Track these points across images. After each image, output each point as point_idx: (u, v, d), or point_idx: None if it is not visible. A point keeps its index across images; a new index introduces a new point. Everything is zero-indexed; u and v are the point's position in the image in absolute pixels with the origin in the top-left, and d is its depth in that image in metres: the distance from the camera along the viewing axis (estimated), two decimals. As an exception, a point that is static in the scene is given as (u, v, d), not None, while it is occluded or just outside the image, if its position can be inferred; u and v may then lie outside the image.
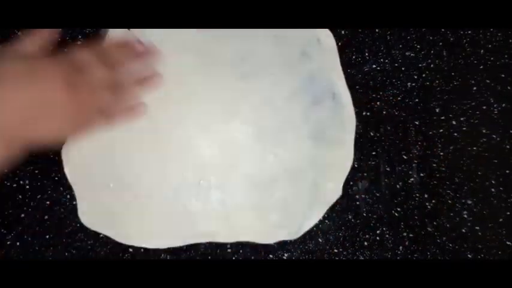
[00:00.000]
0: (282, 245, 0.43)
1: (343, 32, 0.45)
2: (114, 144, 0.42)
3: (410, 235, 0.44)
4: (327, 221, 0.43)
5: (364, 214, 0.44)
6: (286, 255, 0.43)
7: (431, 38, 0.45)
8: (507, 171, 0.44)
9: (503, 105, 0.45)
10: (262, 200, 0.42)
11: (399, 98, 0.45)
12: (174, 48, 0.43)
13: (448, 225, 0.44)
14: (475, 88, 0.45)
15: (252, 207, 0.42)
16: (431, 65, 0.45)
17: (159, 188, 0.42)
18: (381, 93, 0.45)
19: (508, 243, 0.43)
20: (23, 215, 0.43)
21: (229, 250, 0.43)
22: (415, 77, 0.45)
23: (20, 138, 0.33)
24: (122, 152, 0.43)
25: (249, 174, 0.43)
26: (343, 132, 0.43)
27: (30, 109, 0.33)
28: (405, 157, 0.44)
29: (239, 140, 0.43)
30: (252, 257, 0.43)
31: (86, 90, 0.36)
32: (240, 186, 0.43)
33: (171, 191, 0.42)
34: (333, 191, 0.43)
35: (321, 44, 0.43)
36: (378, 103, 0.45)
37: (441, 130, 0.44)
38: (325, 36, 0.44)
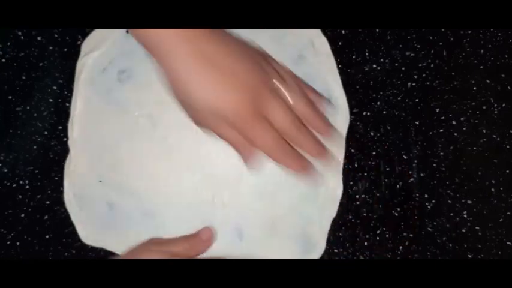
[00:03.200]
0: (282, 245, 0.43)
1: (343, 32, 0.45)
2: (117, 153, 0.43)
3: (410, 235, 0.44)
4: (327, 221, 0.43)
5: (364, 214, 0.44)
6: (286, 255, 0.43)
7: (431, 38, 0.45)
8: (507, 171, 0.44)
9: (503, 105, 0.45)
10: (275, 213, 0.42)
11: (399, 98, 0.45)
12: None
13: (448, 225, 0.44)
14: (475, 88, 0.45)
15: (266, 223, 0.42)
16: (431, 65, 0.45)
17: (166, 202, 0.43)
18: (381, 93, 0.45)
19: (508, 243, 0.43)
20: (23, 215, 0.43)
21: (229, 250, 0.43)
22: (415, 77, 0.45)
23: None
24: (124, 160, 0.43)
25: (253, 184, 0.42)
26: (336, 131, 0.43)
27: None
28: (405, 157, 0.44)
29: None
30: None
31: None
32: (249, 199, 0.43)
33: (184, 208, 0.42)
34: (335, 188, 0.43)
35: (315, 49, 0.43)
36: (378, 103, 0.45)
37: (441, 130, 0.44)
38: (319, 43, 0.44)
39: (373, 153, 0.44)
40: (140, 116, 0.43)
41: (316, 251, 0.42)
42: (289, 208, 0.42)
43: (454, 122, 0.45)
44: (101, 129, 0.43)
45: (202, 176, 0.42)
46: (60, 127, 0.44)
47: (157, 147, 0.43)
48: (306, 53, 0.43)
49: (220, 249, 0.42)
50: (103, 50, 0.44)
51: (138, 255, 0.38)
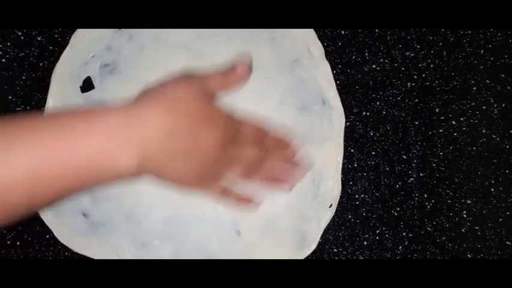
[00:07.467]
0: (282, 244, 0.43)
1: (343, 32, 0.45)
2: None
3: (410, 235, 0.44)
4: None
5: (364, 214, 0.44)
6: (286, 255, 0.43)
7: (431, 38, 0.45)
8: (507, 171, 0.44)
9: (503, 105, 0.45)
10: (269, 211, 0.42)
11: (399, 98, 0.45)
12: (168, 49, 0.43)
13: (447, 225, 0.44)
14: (474, 88, 0.45)
15: (262, 220, 0.42)
16: (431, 65, 0.45)
17: (159, 203, 0.42)
18: (380, 93, 0.45)
19: (507, 243, 0.44)
20: (23, 215, 0.43)
21: (229, 250, 0.43)
22: (415, 77, 0.45)
23: (152, 170, 0.32)
24: None
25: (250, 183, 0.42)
26: (332, 131, 0.43)
27: (178, 152, 0.32)
28: (405, 157, 0.44)
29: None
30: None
31: (231, 159, 0.37)
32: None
33: (171, 208, 0.42)
34: (334, 188, 0.43)
35: (311, 54, 0.43)
36: (378, 103, 0.45)
37: (441, 130, 0.44)
38: (315, 48, 0.44)
39: (373, 153, 0.44)
40: None
41: (310, 248, 0.43)
42: (286, 206, 0.42)
43: (453, 122, 0.45)
44: None
45: None
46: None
47: None
48: (302, 57, 0.43)
49: (219, 244, 0.42)
50: (88, 43, 0.43)
51: (168, 86, 0.34)
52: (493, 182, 0.44)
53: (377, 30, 0.45)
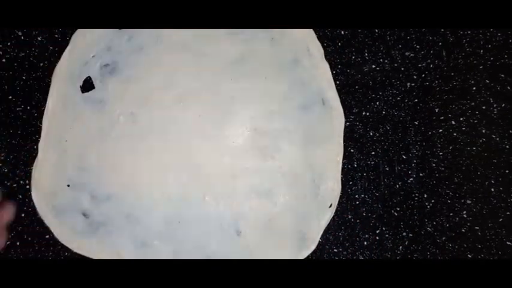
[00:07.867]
0: (282, 244, 0.43)
1: (342, 32, 0.45)
2: (99, 154, 0.42)
3: (410, 235, 0.44)
4: (326, 221, 0.43)
5: (364, 214, 0.44)
6: (285, 255, 0.43)
7: (430, 38, 0.45)
8: (507, 171, 0.44)
9: (503, 105, 0.45)
10: (270, 211, 0.42)
11: (399, 98, 0.45)
12: (168, 49, 0.43)
13: (447, 225, 0.44)
14: (474, 88, 0.45)
15: (262, 220, 0.42)
16: (431, 65, 0.45)
17: (159, 205, 0.42)
18: (380, 93, 0.45)
19: (508, 243, 0.44)
20: (23, 215, 0.43)
21: (229, 250, 0.43)
22: (415, 77, 0.45)
23: None
24: (110, 162, 0.42)
25: (250, 183, 0.42)
26: (332, 131, 0.43)
27: None
28: (404, 157, 0.44)
29: (235, 146, 0.43)
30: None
31: None
32: (245, 198, 0.42)
33: (171, 208, 0.42)
34: (334, 188, 0.43)
35: (310, 53, 0.44)
36: (378, 103, 0.45)
37: (440, 130, 0.45)
38: (314, 48, 0.44)
39: (373, 153, 0.44)
40: (121, 113, 0.42)
41: (310, 248, 0.43)
42: (286, 206, 0.42)
43: (453, 122, 0.45)
44: (75, 129, 0.42)
45: (189, 175, 0.42)
46: (60, 127, 0.44)
47: (138, 147, 0.42)
48: (302, 57, 0.43)
49: (219, 244, 0.42)
50: (88, 43, 0.43)
51: None
52: (493, 182, 0.44)
53: (377, 31, 0.45)
